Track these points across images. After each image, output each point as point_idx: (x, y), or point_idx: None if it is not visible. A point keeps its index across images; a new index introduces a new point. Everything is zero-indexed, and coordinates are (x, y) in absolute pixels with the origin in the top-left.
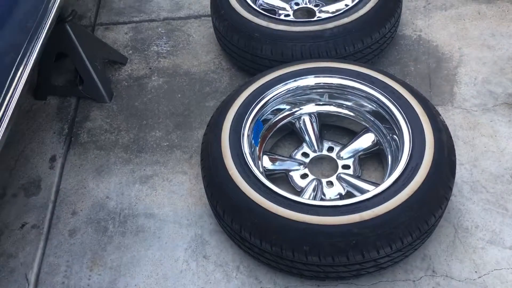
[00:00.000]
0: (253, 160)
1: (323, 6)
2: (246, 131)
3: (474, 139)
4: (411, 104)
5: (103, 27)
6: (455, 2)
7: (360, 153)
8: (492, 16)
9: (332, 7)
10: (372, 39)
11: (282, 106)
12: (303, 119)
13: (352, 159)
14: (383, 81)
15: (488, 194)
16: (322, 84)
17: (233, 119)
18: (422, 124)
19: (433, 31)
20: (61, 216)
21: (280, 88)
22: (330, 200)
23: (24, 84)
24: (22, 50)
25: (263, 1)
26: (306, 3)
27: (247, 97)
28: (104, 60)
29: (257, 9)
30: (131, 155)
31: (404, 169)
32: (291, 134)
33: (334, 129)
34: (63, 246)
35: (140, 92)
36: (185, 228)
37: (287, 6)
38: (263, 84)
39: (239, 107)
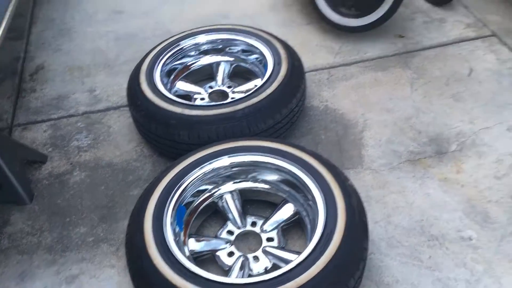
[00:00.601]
0: (178, 245)
1: (235, 87)
2: (168, 218)
3: (384, 197)
4: (321, 173)
5: (20, 127)
6: (355, 73)
7: (282, 224)
8: (388, 82)
9: (244, 87)
10: (282, 114)
11: (203, 187)
12: (225, 198)
13: (275, 231)
14: (293, 154)
15: (404, 248)
16: (236, 163)
17: (155, 207)
18: (332, 191)
19: (338, 100)
20: None
21: (198, 172)
22: (258, 275)
23: None
24: None
25: (178, 88)
26: (219, 86)
27: (167, 184)
28: (22, 161)
29: (172, 97)
30: (55, 255)
31: (321, 236)
32: (216, 213)
33: (257, 203)
34: None
35: (61, 189)
36: None
37: (202, 90)
38: (181, 169)
39: (160, 194)
